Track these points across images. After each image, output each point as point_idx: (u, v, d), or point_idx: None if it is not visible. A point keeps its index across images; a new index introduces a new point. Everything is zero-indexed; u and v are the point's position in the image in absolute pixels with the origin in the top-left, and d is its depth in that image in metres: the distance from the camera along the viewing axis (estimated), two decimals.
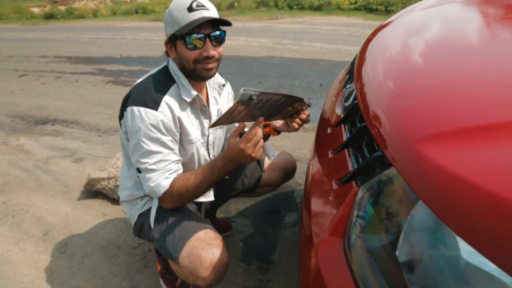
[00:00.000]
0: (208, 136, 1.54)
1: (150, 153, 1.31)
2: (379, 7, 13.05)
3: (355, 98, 1.09)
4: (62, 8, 20.19)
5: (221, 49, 1.34)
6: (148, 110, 1.28)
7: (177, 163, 1.39)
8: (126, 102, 1.34)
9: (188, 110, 1.41)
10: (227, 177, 1.59)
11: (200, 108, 1.46)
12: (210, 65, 1.32)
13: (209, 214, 2.01)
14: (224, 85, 1.62)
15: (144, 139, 1.29)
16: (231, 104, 1.72)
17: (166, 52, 1.42)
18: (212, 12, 1.26)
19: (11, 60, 7.85)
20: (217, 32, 1.29)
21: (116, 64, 6.88)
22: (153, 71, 1.44)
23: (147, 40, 9.68)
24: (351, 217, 0.78)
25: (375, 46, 1.24)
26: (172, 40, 1.31)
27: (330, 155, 1.01)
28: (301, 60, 6.28)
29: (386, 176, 0.75)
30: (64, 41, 10.40)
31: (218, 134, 1.62)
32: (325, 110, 1.39)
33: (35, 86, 5.66)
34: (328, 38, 8.32)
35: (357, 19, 12.23)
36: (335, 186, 0.89)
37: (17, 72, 6.67)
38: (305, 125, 3.62)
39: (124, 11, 18.45)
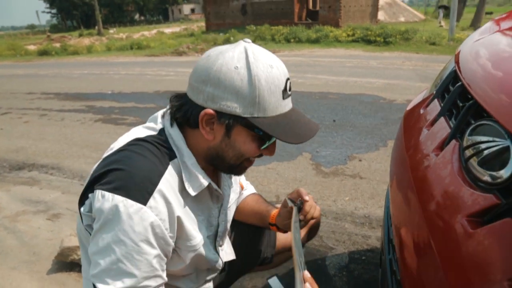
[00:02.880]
0: (218, 227, 1.03)
1: (120, 272, 0.76)
2: (378, 38, 12.97)
3: None
4: (57, 45, 20.12)
5: None
6: (130, 203, 0.74)
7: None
8: (96, 181, 0.79)
9: (189, 200, 0.89)
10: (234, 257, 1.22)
11: (210, 193, 0.96)
12: (252, 163, 0.95)
13: None
14: None
15: (116, 248, 0.75)
16: None
17: (173, 114, 0.86)
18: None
19: None
20: None
21: (107, 100, 6.40)
22: (139, 133, 0.88)
23: (141, 75, 9.31)
24: None
25: None
26: (230, 122, 0.79)
27: None
28: (308, 94, 5.84)
29: None
30: (54, 77, 10.01)
31: (231, 213, 1.13)
32: (424, 177, 0.84)
33: (16, 125, 5.14)
34: (332, 70, 7.99)
35: (356, 50, 12.08)
36: None
37: None
38: (325, 169, 3.11)
39: (118, 47, 18.34)
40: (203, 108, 0.79)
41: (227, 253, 1.19)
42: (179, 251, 0.90)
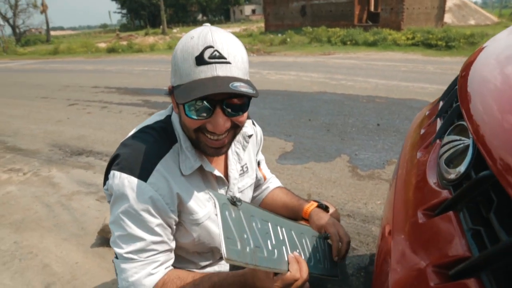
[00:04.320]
0: None
1: (130, 237, 0.91)
2: (439, 42, 12.35)
3: (471, 165, 0.62)
4: (124, 43, 21.46)
5: (241, 117, 0.91)
6: (133, 179, 0.89)
7: (166, 253, 0.98)
8: (112, 162, 0.95)
9: (193, 180, 1.00)
10: None
11: (214, 176, 1.05)
12: (218, 143, 0.90)
13: None
14: (250, 136, 1.17)
15: (124, 218, 0.90)
16: (259, 147, 1.30)
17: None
18: (233, 68, 0.82)
19: (67, 90, 8.12)
20: (235, 102, 0.85)
21: (162, 96, 6.78)
22: (150, 120, 1.03)
23: None
24: None
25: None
26: (172, 93, 0.90)
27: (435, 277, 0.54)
28: (355, 97, 5.78)
29: None
30: (118, 73, 10.78)
31: (246, 198, 1.21)
32: (405, 176, 0.89)
33: (81, 116, 5.65)
34: (384, 74, 7.79)
35: (415, 55, 11.61)
36: None
37: (68, 101, 6.80)
38: (361, 172, 3.10)
39: None
40: None
41: None
42: (184, 224, 1.02)
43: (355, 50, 13.70)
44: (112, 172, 0.91)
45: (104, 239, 2.28)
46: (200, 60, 0.80)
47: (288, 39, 16.72)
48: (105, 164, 3.59)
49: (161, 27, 32.63)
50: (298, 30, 19.03)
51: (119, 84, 8.37)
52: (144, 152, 0.92)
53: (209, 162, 1.02)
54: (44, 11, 36.68)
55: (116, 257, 0.94)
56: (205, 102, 0.82)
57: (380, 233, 0.96)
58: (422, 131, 1.02)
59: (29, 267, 2.11)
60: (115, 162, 0.92)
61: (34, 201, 2.92)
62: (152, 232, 0.92)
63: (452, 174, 0.68)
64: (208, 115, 0.85)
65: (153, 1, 53.84)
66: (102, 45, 22.59)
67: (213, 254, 1.17)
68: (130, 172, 0.89)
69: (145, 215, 0.90)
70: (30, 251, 2.26)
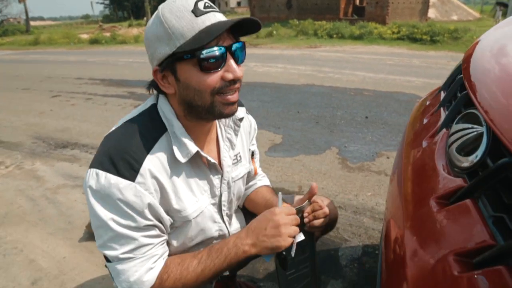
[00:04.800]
0: (220, 196, 1.09)
1: (123, 237, 0.86)
2: (424, 36, 12.49)
3: (487, 152, 0.61)
4: (107, 34, 21.03)
5: (243, 69, 0.92)
6: (121, 180, 0.84)
7: (162, 244, 0.95)
8: (95, 159, 0.89)
9: (186, 170, 0.96)
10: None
11: (207, 162, 1.01)
12: (235, 96, 0.91)
13: (227, 278, 1.52)
14: (242, 119, 1.12)
15: (113, 218, 0.85)
16: (252, 137, 1.29)
17: (153, 86, 0.95)
18: (222, 15, 0.87)
19: (49, 81, 7.90)
20: (239, 44, 0.89)
21: None
22: (135, 112, 0.97)
23: None
24: None
25: None
26: (170, 65, 0.85)
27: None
28: (343, 89, 5.79)
29: None
30: (102, 64, 10.54)
31: (237, 188, 1.17)
32: (412, 166, 0.87)
33: (64, 108, 5.51)
34: (371, 67, 7.83)
35: (400, 48, 11.72)
36: None
37: (51, 93, 6.62)
38: (351, 164, 3.11)
39: None
40: None
41: (235, 228, 1.26)
42: (176, 223, 0.98)
43: (341, 43, 13.74)
44: (95, 171, 0.85)
45: (92, 233, 2.22)
46: (197, 12, 0.82)
47: (275, 32, 16.64)
48: (91, 156, 3.52)
49: (145, 18, 32.09)
50: (284, 23, 18.94)
51: (104, 76, 8.19)
52: (132, 144, 0.87)
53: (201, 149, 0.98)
54: (23, 0, 35.59)
55: (109, 261, 0.89)
56: (219, 48, 0.83)
57: (384, 227, 0.94)
58: (425, 120, 1.01)
59: (14, 263, 2.04)
60: (99, 160, 0.87)
61: (17, 194, 2.83)
62: (144, 228, 0.88)
63: (466, 163, 0.66)
64: (222, 66, 0.85)
65: None
66: (85, 36, 22.06)
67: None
68: (117, 173, 0.84)
69: (136, 215, 0.86)
70: (15, 246, 2.19)
